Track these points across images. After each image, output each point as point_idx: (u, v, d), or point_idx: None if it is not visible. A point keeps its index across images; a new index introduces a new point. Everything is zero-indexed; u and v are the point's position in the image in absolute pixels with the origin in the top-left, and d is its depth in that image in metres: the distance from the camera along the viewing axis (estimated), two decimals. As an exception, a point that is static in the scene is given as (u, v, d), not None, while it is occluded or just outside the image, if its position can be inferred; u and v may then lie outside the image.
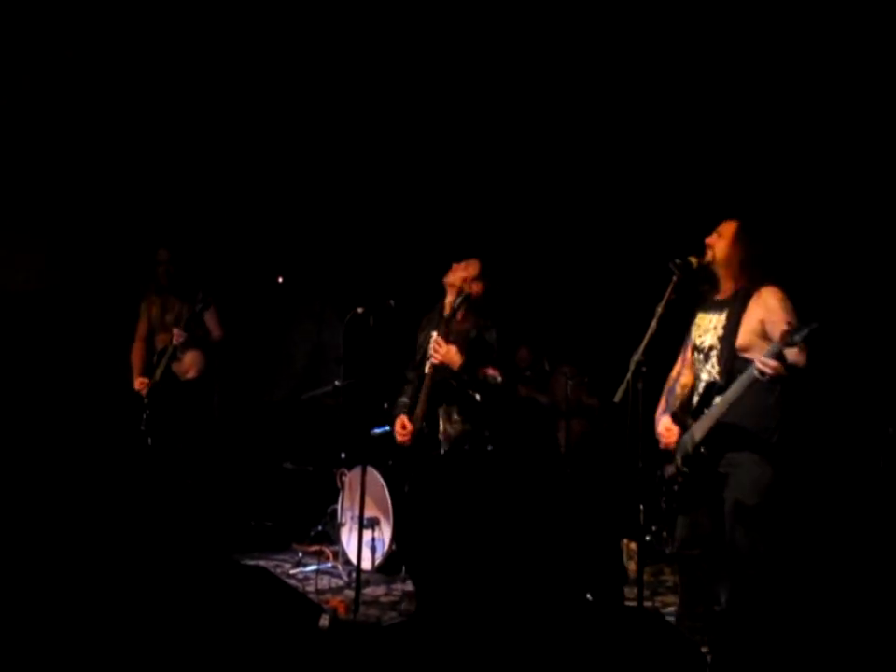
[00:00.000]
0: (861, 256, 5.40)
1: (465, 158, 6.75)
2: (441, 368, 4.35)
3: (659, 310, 3.61)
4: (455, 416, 4.39)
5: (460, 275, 4.50)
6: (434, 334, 4.48)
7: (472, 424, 4.37)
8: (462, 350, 4.29)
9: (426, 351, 4.51)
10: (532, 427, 6.31)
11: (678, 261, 3.65)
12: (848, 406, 5.20)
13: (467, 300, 4.40)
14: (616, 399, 3.51)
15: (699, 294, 3.81)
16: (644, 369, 3.52)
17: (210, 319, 5.68)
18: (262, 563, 5.54)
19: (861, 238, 5.41)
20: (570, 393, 6.09)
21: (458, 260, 4.58)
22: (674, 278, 3.63)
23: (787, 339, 3.22)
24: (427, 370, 4.48)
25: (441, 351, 4.24)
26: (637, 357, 3.48)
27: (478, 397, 4.32)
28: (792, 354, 3.31)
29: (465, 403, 4.35)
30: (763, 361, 3.25)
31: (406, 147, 6.80)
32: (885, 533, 4.63)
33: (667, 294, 3.61)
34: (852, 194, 5.46)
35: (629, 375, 3.46)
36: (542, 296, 6.74)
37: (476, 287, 4.46)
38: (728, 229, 3.70)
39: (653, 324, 3.57)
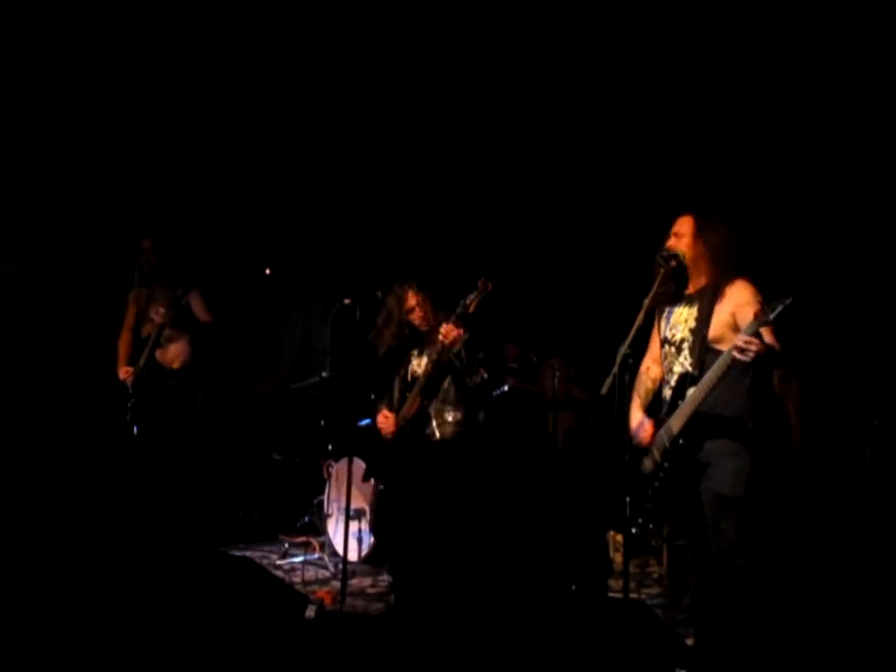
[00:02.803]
0: (852, 252, 5.43)
1: (452, 152, 6.74)
2: (439, 363, 4.45)
3: (646, 302, 3.60)
4: (449, 418, 4.48)
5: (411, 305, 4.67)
6: (415, 351, 4.66)
7: (465, 416, 4.51)
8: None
9: (414, 370, 4.66)
10: (523, 417, 6.32)
11: (664, 254, 3.66)
12: (836, 398, 5.22)
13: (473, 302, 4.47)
14: (603, 392, 3.50)
15: (680, 288, 3.79)
16: (631, 361, 3.52)
17: (196, 305, 5.63)
18: (249, 554, 5.55)
19: (848, 231, 5.43)
20: (558, 386, 6.10)
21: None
22: (661, 270, 3.63)
23: (762, 316, 3.21)
24: (421, 370, 4.58)
25: (446, 328, 4.35)
26: (624, 349, 3.48)
27: (469, 381, 4.47)
28: (768, 335, 3.31)
29: (461, 391, 4.51)
30: (745, 340, 3.20)
31: (393, 140, 6.79)
32: (871, 523, 4.66)
33: (655, 286, 3.62)
34: (832, 186, 5.49)
35: (616, 368, 3.46)
36: (530, 290, 6.75)
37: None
38: (686, 226, 3.69)
39: (640, 316, 3.56)
